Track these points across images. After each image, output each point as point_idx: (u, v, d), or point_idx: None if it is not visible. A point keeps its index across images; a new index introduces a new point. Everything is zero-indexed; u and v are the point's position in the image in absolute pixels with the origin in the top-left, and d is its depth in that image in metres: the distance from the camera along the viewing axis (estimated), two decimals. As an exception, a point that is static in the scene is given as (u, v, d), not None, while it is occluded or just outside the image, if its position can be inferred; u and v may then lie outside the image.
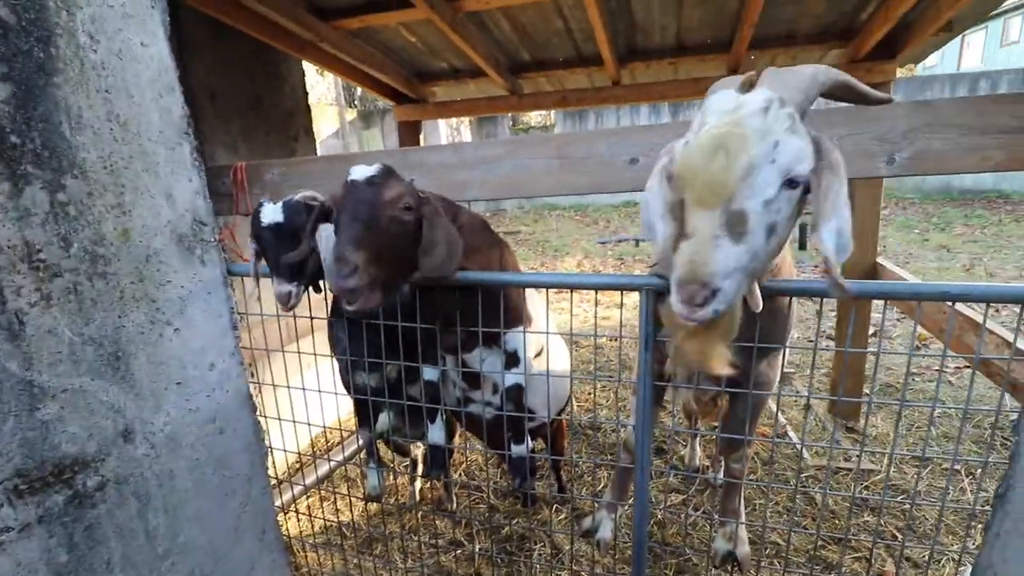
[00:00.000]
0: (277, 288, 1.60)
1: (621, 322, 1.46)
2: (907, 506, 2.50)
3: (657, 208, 1.09)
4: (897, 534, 2.39)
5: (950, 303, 1.15)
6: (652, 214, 1.11)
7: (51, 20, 1.23)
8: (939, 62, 22.90)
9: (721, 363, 1.05)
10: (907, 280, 2.83)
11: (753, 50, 3.25)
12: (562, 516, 2.64)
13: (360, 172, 1.40)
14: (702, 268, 0.91)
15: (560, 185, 1.58)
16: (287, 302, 1.61)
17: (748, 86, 1.04)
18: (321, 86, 16.15)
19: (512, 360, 1.72)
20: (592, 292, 1.56)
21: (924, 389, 3.77)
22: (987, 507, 2.47)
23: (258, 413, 1.86)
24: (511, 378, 1.73)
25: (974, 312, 2.33)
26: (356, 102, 15.21)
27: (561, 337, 2.27)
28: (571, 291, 1.38)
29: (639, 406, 1.39)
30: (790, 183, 0.94)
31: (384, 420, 1.92)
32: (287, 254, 1.55)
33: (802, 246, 8.55)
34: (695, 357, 1.07)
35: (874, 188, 3.09)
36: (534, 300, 1.89)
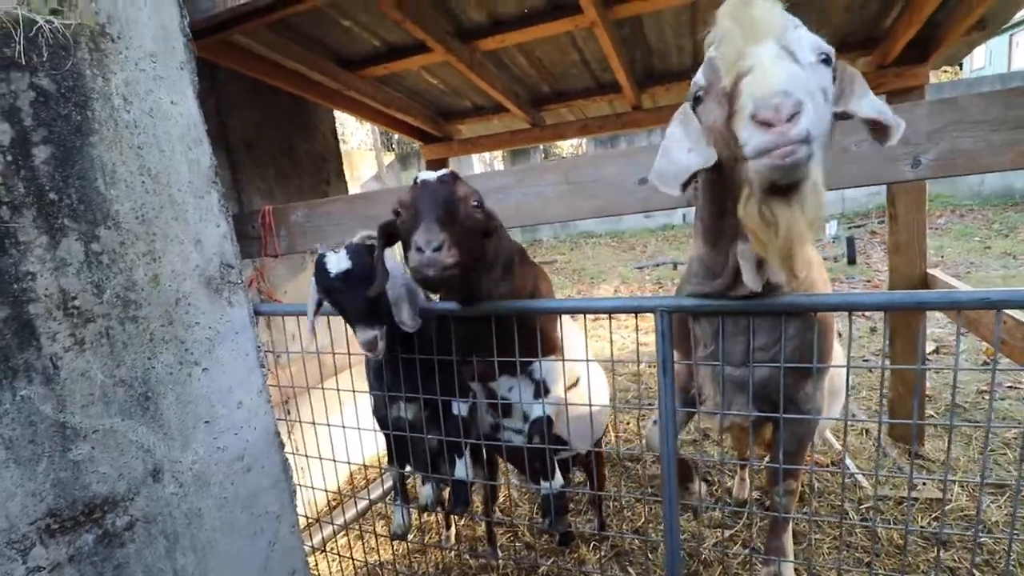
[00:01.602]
0: (363, 337, 1.51)
1: (638, 345, 1.41)
2: (981, 539, 2.26)
3: (686, 140, 1.03)
4: (976, 572, 2.15)
5: (995, 310, 1.06)
6: (678, 150, 1.03)
7: (87, 86, 1.34)
8: (987, 64, 21.91)
9: (800, 262, 1.01)
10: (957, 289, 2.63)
11: (775, 65, 3.20)
12: (600, 554, 2.52)
13: (429, 174, 1.43)
14: (777, 78, 0.83)
15: (571, 210, 1.58)
16: (375, 348, 1.51)
17: None
18: (361, 132, 16.96)
19: (543, 391, 1.68)
20: (633, 317, 1.51)
21: (996, 408, 3.45)
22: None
23: (292, 450, 1.89)
24: (538, 409, 1.68)
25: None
26: (394, 145, 15.86)
27: (600, 366, 2.22)
28: (584, 315, 1.35)
29: (662, 435, 1.32)
30: (820, 57, 0.94)
31: (427, 492, 1.89)
32: (366, 292, 1.50)
33: (851, 260, 8.16)
34: (783, 238, 0.91)
35: (917, 194, 2.92)
36: (570, 329, 1.86)
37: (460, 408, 1.76)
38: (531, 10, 2.45)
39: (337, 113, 3.60)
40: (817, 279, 1.39)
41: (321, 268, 1.54)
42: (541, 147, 15.42)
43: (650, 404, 4.05)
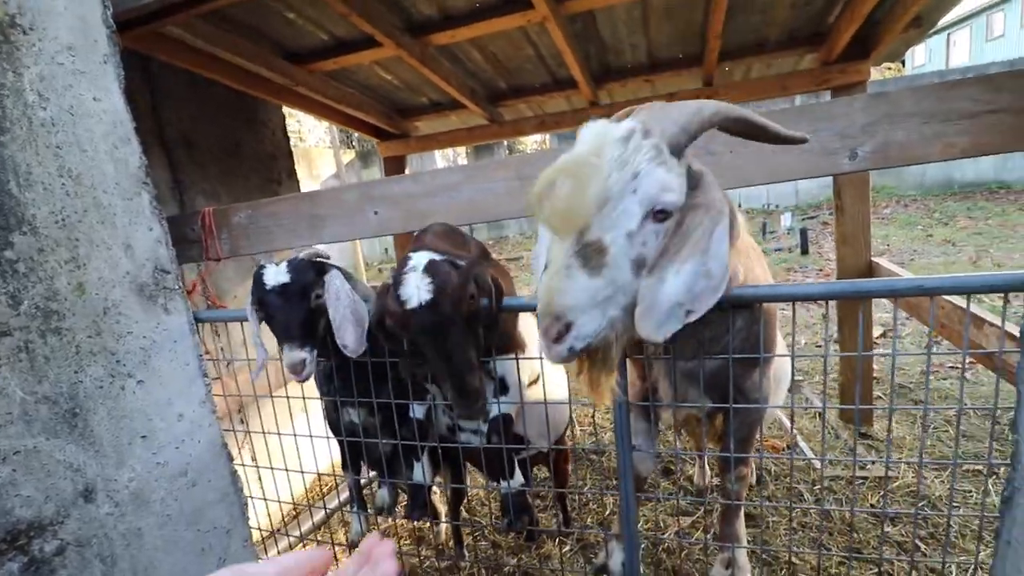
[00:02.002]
0: (289, 356, 1.44)
1: (591, 342, 1.40)
2: (925, 514, 2.37)
3: (542, 240, 1.06)
4: (921, 544, 2.25)
5: (929, 297, 1.09)
6: (538, 247, 1.08)
7: (-6, 81, 1.24)
8: (927, 61, 23.07)
9: (606, 396, 1.00)
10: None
11: (726, 61, 3.26)
12: (567, 548, 2.52)
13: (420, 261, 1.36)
14: (555, 299, 0.86)
15: (524, 207, 1.56)
16: (301, 371, 1.43)
17: (624, 117, 1.00)
18: (319, 130, 16.53)
19: (500, 388, 1.66)
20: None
21: (937, 388, 3.63)
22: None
23: (243, 463, 1.81)
24: (495, 408, 1.66)
25: (975, 306, 2.25)
26: (354, 143, 15.53)
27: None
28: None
29: (616, 430, 1.32)
30: (657, 215, 0.89)
31: (383, 495, 1.85)
32: (301, 310, 1.45)
33: (804, 251, 8.46)
34: (584, 390, 1.01)
35: (861, 186, 3.03)
36: (529, 325, 1.84)
37: (416, 411, 1.72)
38: (482, 4, 2.42)
39: (295, 110, 3.49)
40: (759, 272, 1.42)
41: (258, 279, 1.50)
42: (505, 143, 15.40)
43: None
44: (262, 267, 1.48)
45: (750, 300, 1.27)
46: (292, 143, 3.50)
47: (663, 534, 2.50)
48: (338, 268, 1.58)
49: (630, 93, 3.70)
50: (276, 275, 1.47)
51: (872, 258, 3.08)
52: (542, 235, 1.08)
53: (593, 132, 0.94)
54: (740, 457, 1.47)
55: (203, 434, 1.65)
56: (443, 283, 1.28)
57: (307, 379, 1.47)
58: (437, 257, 1.33)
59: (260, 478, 2.16)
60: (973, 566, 1.17)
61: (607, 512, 2.75)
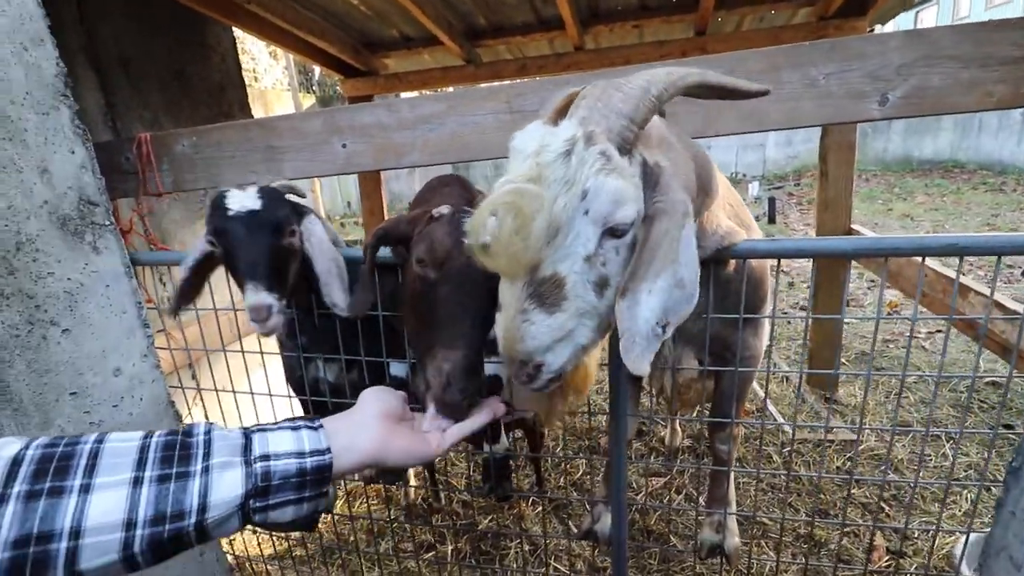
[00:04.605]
0: (252, 299, 1.21)
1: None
2: (890, 477, 2.43)
3: None
4: (884, 506, 2.31)
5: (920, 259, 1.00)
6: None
7: None
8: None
9: (555, 421, 0.91)
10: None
11: (720, 10, 3.09)
12: (539, 509, 2.48)
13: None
14: (517, 345, 0.77)
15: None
16: (265, 318, 1.21)
17: (560, 113, 0.85)
18: (276, 70, 15.43)
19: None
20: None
21: (898, 356, 3.74)
22: (967, 473, 2.41)
23: (194, 422, 1.64)
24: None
25: (949, 270, 2.25)
26: (315, 87, 14.59)
27: None
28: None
29: (611, 393, 1.22)
30: (613, 232, 0.78)
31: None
32: (268, 244, 1.24)
33: (771, 220, 8.57)
34: (539, 413, 0.92)
35: (847, 151, 2.98)
36: None
37: (396, 369, 1.57)
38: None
39: (249, 46, 3.12)
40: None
41: (218, 204, 1.27)
42: (469, 88, 14.84)
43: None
44: (223, 192, 1.27)
45: (762, 255, 1.16)
46: (246, 83, 3.15)
47: (636, 495, 2.49)
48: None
49: (617, 39, 3.49)
50: (243, 200, 1.26)
51: (851, 225, 3.06)
52: None
53: (529, 145, 0.78)
54: (732, 415, 1.41)
55: (145, 391, 1.46)
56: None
57: (271, 333, 1.27)
58: None
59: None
60: (935, 528, 1.17)
61: (579, 474, 2.72)
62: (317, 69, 12.61)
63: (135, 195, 1.66)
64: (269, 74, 15.50)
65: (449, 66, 3.69)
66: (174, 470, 0.60)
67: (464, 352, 1.01)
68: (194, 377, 2.25)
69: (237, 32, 3.00)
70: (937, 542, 2.03)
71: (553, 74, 3.44)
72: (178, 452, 0.62)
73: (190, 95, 2.64)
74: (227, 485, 0.61)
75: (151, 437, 0.63)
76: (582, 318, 0.80)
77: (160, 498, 0.58)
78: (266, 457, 0.65)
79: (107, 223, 1.37)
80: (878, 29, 3.42)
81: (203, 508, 0.59)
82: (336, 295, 1.33)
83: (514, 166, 0.79)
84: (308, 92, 13.25)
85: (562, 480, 2.72)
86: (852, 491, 2.37)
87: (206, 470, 0.61)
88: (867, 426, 2.74)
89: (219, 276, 1.42)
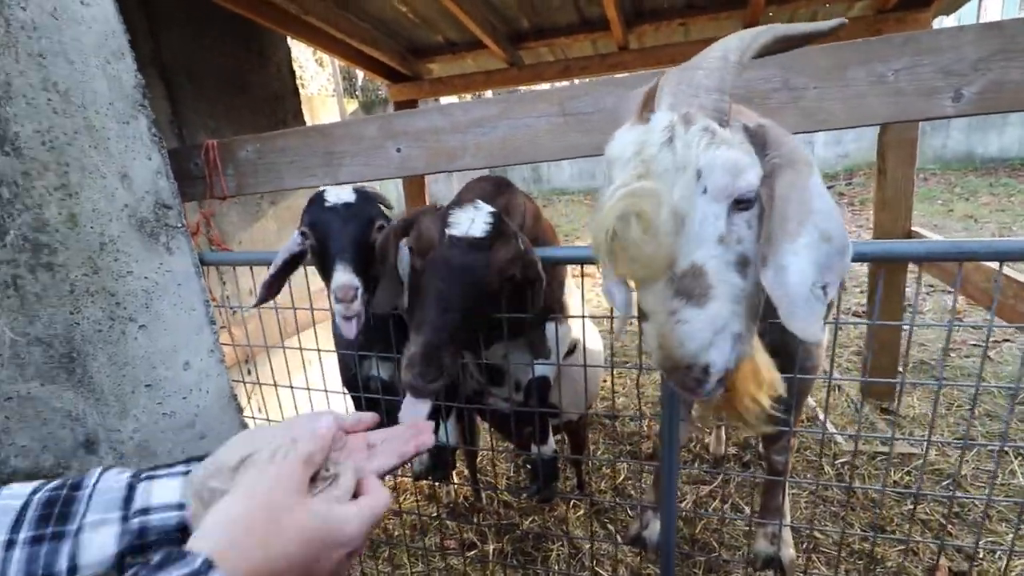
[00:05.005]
0: (342, 278, 1.28)
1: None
2: (952, 493, 2.30)
3: (608, 272, 0.88)
4: (945, 523, 2.19)
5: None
6: (607, 277, 0.91)
7: (-38, -32, 1.05)
8: (1001, 16, 22.05)
9: (760, 423, 0.83)
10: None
11: (771, 6, 3.00)
12: (580, 512, 2.47)
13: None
14: (677, 351, 0.72)
15: (567, 148, 1.39)
16: (352, 298, 1.28)
17: (646, 107, 0.81)
18: (321, 77, 15.90)
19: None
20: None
21: (961, 366, 3.53)
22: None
23: (251, 415, 1.71)
24: (538, 370, 1.53)
25: (1020, 275, 2.11)
26: (358, 92, 14.95)
27: (594, 324, 2.09)
28: (582, 267, 1.20)
29: (663, 398, 1.21)
30: (739, 203, 0.74)
31: (423, 458, 1.74)
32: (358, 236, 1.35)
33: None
34: (737, 422, 0.87)
35: (908, 148, 2.84)
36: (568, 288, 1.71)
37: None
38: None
39: (297, 54, 3.24)
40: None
41: (316, 200, 1.40)
42: (521, 91, 14.91)
43: (625, 362, 4.01)
44: (322, 190, 1.42)
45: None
46: (297, 88, 3.27)
47: (680, 502, 2.44)
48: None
49: (663, 38, 3.45)
50: (340, 194, 1.40)
51: (912, 227, 2.92)
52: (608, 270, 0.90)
53: (627, 148, 0.76)
54: (789, 425, 1.36)
55: (211, 384, 1.54)
56: (500, 230, 1.15)
57: (353, 316, 1.31)
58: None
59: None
60: (1008, 550, 1.10)
61: (621, 478, 2.69)
62: (360, 74, 12.91)
63: (201, 198, 1.75)
64: (315, 80, 16.00)
65: (492, 70, 3.72)
66: (49, 530, 0.56)
67: (428, 338, 1.03)
68: (250, 372, 2.36)
69: (290, 41, 3.12)
70: (1007, 563, 1.92)
71: (597, 75, 3.42)
72: (58, 509, 0.57)
73: (249, 104, 2.76)
74: (98, 545, 0.57)
75: (37, 493, 0.59)
76: (733, 306, 0.75)
77: (31, 561, 0.54)
78: (145, 511, 0.59)
79: (179, 225, 1.45)
80: (940, 22, 3.25)
81: (72, 570, 0.55)
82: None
83: (617, 173, 0.75)
84: (352, 97, 13.58)
85: (603, 484, 2.71)
86: (909, 506, 2.26)
87: (79, 530, 0.57)
88: (935, 438, 2.60)
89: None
